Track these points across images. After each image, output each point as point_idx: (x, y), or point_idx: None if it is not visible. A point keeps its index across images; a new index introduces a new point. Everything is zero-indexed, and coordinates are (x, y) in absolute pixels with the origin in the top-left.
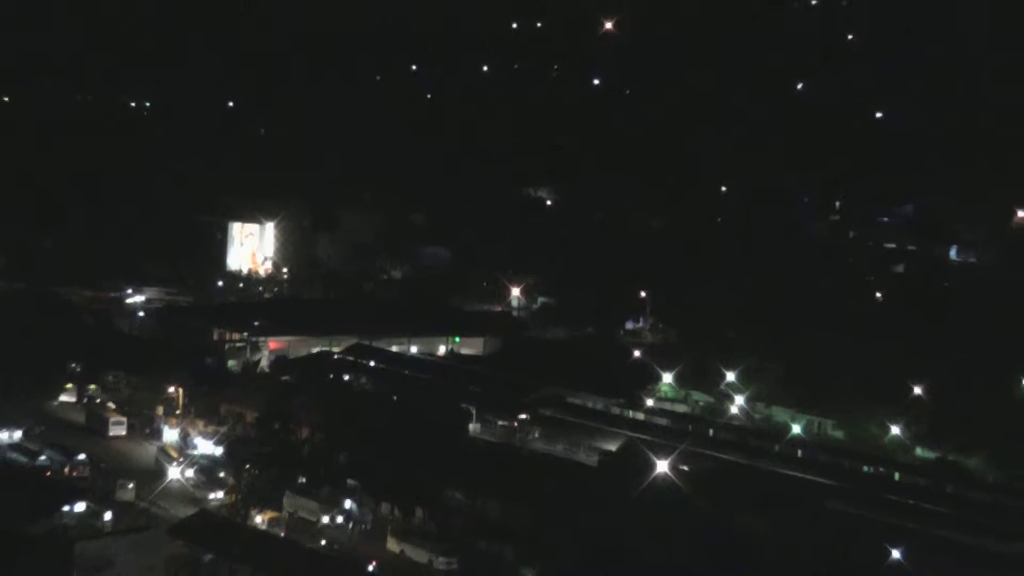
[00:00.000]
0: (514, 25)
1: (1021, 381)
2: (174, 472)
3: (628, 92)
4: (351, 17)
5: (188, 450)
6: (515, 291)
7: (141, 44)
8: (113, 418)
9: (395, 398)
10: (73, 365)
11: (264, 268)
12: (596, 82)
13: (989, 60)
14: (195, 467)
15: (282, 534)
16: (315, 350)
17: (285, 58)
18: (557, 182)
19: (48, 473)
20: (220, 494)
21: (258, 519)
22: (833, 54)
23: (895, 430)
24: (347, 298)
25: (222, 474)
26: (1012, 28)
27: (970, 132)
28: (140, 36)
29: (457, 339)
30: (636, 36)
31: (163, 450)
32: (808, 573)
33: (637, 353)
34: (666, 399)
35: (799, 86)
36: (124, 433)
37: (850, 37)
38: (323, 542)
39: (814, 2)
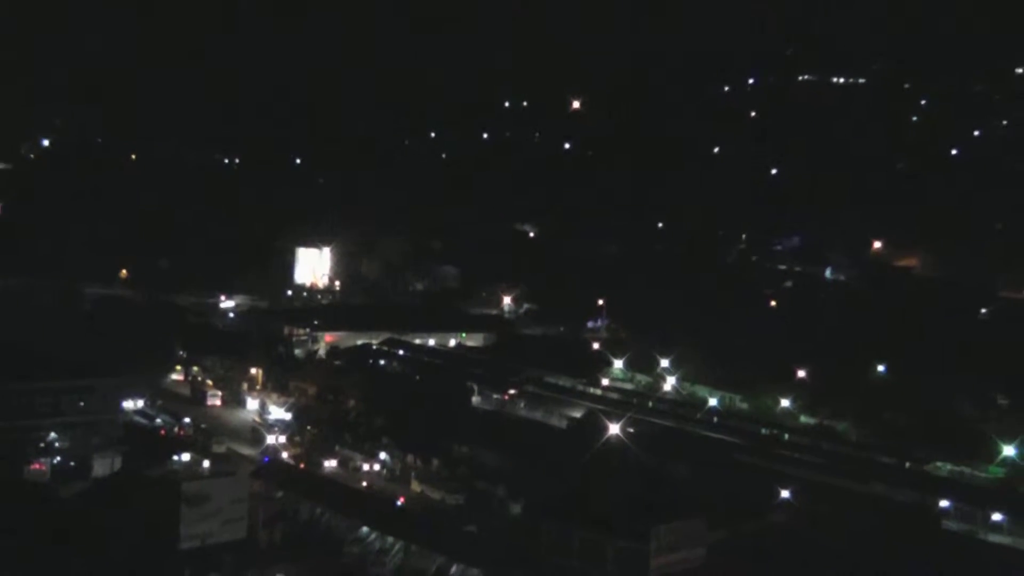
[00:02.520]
0: (506, 104)
1: (876, 366)
2: (271, 439)
3: (589, 153)
4: (387, 96)
5: (266, 415)
6: (507, 299)
7: (234, 116)
8: (210, 391)
9: (417, 378)
10: (181, 352)
11: (321, 282)
12: (567, 145)
13: (852, 145)
14: (272, 428)
15: (334, 477)
16: (359, 342)
17: (338, 129)
18: (538, 219)
19: (162, 432)
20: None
21: (318, 466)
22: (742, 128)
23: (785, 402)
24: (382, 304)
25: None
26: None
27: (838, 184)
28: (233, 110)
29: (464, 334)
30: (597, 115)
31: (256, 421)
32: (720, 508)
33: (596, 345)
34: (617, 379)
35: (715, 150)
36: (219, 403)
37: (753, 114)
38: (364, 483)
39: (726, 87)
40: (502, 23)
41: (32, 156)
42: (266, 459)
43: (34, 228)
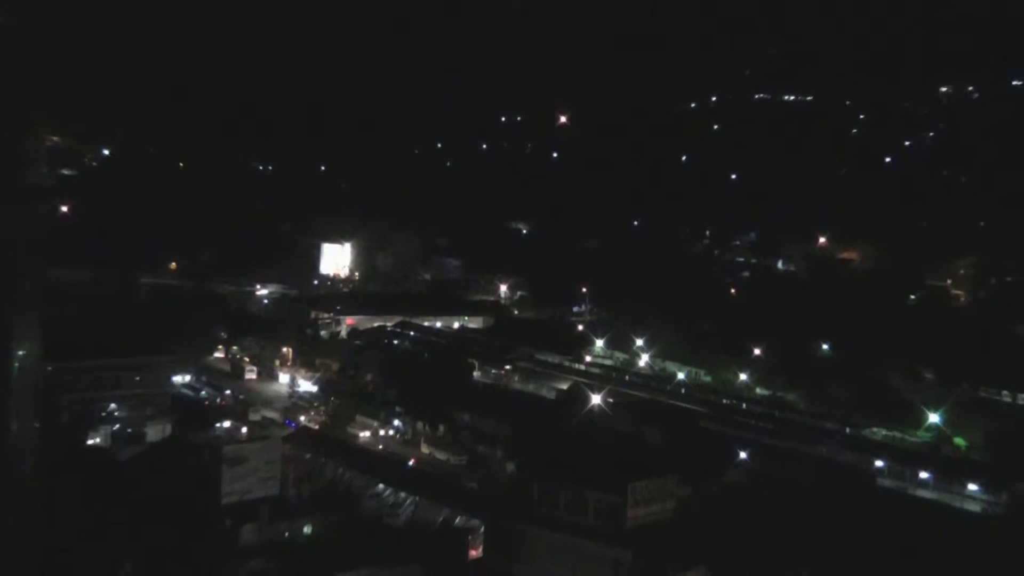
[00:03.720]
0: (503, 119)
1: (821, 345)
2: (304, 419)
3: (574, 162)
4: (400, 113)
5: (295, 389)
6: (503, 287)
7: (268, 130)
8: (247, 367)
9: (425, 355)
10: (222, 334)
11: (343, 272)
12: (555, 155)
13: (801, 153)
14: (301, 399)
15: (354, 441)
16: (375, 324)
17: (359, 144)
18: (530, 218)
19: (206, 402)
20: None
21: (340, 431)
22: (706, 140)
23: (743, 376)
24: (395, 291)
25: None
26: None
27: (789, 187)
28: (267, 125)
29: (465, 318)
30: (580, 129)
31: (291, 395)
32: (687, 467)
33: (580, 327)
34: (598, 356)
35: (683, 158)
36: (255, 377)
37: (715, 127)
38: (380, 447)
39: (692, 104)
40: (501, 55)
41: (94, 164)
42: (288, 422)
43: (96, 226)
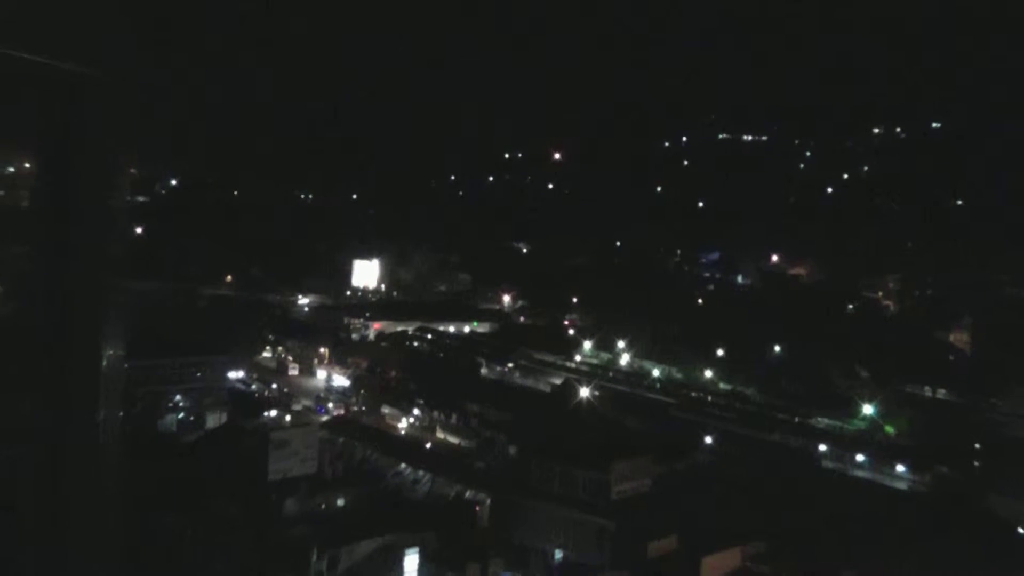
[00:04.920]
0: (506, 156)
1: (773, 347)
2: (330, 401)
3: (566, 192)
4: (420, 154)
5: (330, 383)
6: (506, 297)
7: (307, 163)
8: (290, 365)
9: (440, 355)
10: (269, 336)
11: (371, 284)
12: (550, 186)
13: (757, 184)
14: (336, 393)
15: (379, 427)
16: (398, 328)
17: (386, 178)
18: (529, 239)
19: (256, 395)
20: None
21: (369, 419)
22: (677, 173)
23: (708, 373)
24: (415, 301)
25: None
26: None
27: (747, 213)
28: (306, 160)
29: (475, 323)
30: (571, 164)
31: (327, 389)
32: (660, 448)
33: (571, 332)
34: (586, 357)
35: (658, 189)
36: (297, 373)
37: (685, 163)
38: (402, 432)
39: (667, 143)
40: (504, 103)
41: (163, 192)
42: (319, 408)
43: (164, 245)
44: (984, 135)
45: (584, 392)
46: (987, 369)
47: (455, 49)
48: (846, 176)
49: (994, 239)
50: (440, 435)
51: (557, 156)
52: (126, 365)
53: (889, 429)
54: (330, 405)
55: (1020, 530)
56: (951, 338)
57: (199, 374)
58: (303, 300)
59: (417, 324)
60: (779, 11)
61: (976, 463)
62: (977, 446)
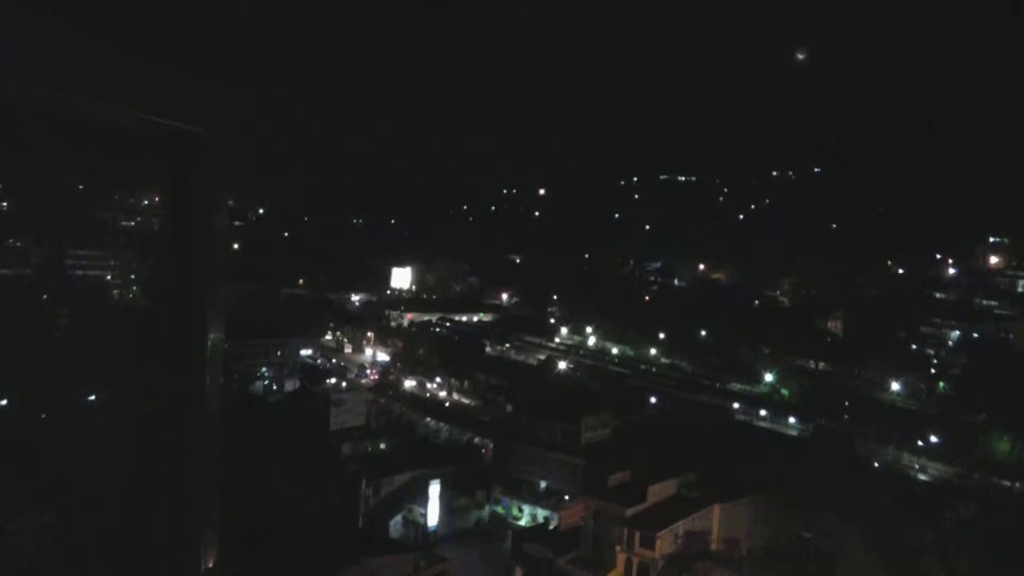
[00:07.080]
0: (504, 191)
1: (701, 332)
2: (370, 371)
3: (550, 218)
4: (440, 192)
5: (375, 358)
6: (504, 295)
7: (359, 197)
8: (346, 344)
9: (456, 338)
10: (330, 323)
11: (405, 285)
12: (536, 213)
13: (688, 214)
14: (379, 365)
15: (411, 391)
16: (425, 318)
17: (417, 207)
18: (522, 253)
19: (321, 367)
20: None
21: (404, 384)
22: (630, 205)
23: (653, 351)
24: (438, 298)
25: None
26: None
27: (682, 233)
28: (357, 194)
29: (482, 314)
30: (553, 198)
31: (372, 362)
32: (617, 406)
33: (552, 320)
34: (563, 339)
35: (616, 215)
36: (350, 351)
37: (636, 196)
38: (427, 395)
39: (622, 182)
40: (502, 151)
41: (254, 218)
42: (361, 373)
43: (253, 256)
44: (848, 178)
45: (562, 365)
46: (853, 348)
47: (474, 115)
48: (753, 206)
49: (857, 253)
50: (456, 396)
51: (542, 192)
52: (226, 345)
53: (784, 392)
54: (375, 375)
55: (874, 464)
56: (828, 325)
57: (279, 352)
58: (355, 297)
59: (439, 315)
60: (710, 90)
61: (845, 416)
62: (846, 404)
